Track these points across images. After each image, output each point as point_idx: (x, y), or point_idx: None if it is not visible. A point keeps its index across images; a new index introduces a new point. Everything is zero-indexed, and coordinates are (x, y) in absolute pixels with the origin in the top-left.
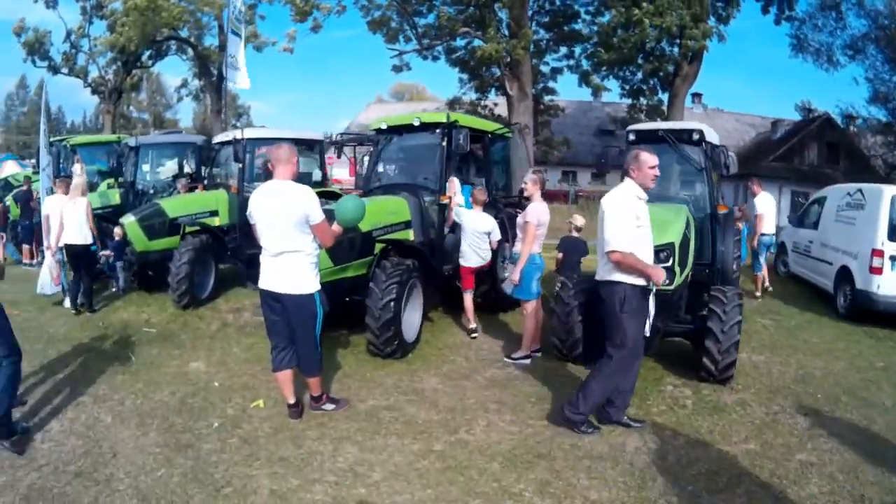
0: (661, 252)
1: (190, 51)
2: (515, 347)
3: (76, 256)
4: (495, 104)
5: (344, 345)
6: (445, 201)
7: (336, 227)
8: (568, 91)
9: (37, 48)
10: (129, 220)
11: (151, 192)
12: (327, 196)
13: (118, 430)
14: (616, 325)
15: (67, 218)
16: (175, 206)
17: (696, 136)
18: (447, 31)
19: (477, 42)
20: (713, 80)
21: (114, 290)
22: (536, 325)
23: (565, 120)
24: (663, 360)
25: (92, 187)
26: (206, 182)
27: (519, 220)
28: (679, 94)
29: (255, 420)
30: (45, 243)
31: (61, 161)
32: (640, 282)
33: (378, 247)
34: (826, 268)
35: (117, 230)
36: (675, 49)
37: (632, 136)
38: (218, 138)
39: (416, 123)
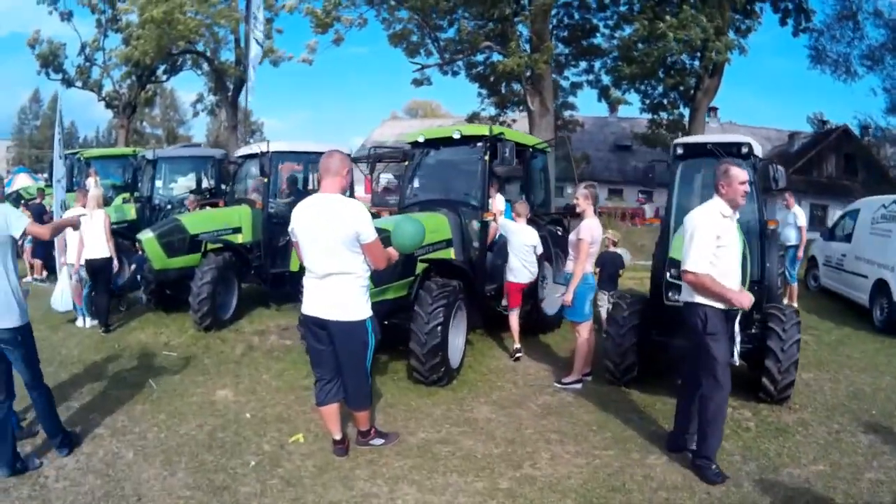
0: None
1: (205, 65)
2: (564, 371)
3: (96, 271)
4: (514, 120)
5: (383, 371)
6: (489, 218)
7: (392, 251)
8: (584, 106)
9: (51, 60)
10: (147, 236)
11: (168, 207)
12: None
13: (141, 469)
14: (703, 350)
15: (86, 232)
16: (196, 222)
17: (744, 150)
18: (468, 46)
19: (496, 56)
20: (725, 93)
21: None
22: (589, 349)
23: (582, 136)
24: None
25: (106, 202)
26: (225, 197)
27: (571, 237)
28: (700, 108)
29: (297, 457)
30: (61, 258)
31: (75, 174)
32: (720, 305)
33: (420, 267)
34: (861, 281)
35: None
36: (696, 62)
37: (679, 150)
38: (241, 151)
39: (457, 136)
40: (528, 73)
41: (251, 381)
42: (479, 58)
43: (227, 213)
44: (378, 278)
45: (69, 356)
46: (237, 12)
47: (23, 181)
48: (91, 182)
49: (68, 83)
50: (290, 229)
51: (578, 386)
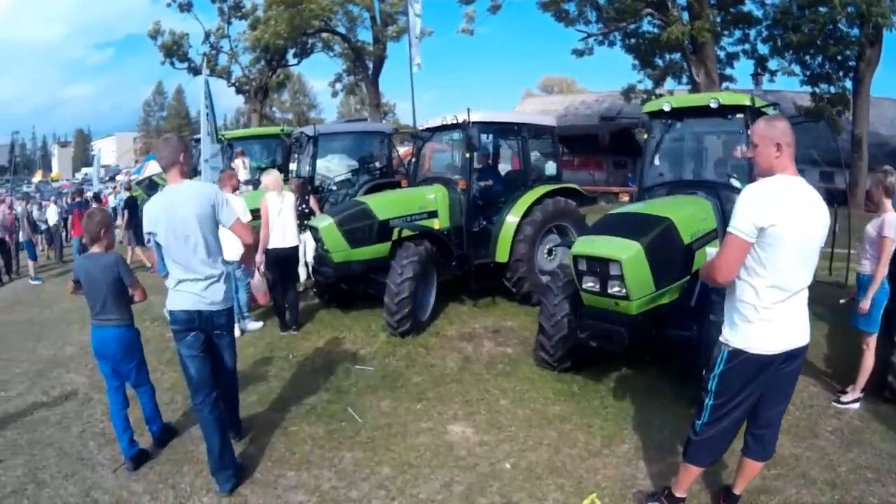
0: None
1: (336, 48)
2: (831, 389)
3: (284, 262)
4: (671, 93)
5: None
6: None
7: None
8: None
9: (174, 50)
10: (325, 222)
11: (333, 188)
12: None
13: None
14: None
15: (273, 217)
16: (385, 204)
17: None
18: (629, 13)
19: (646, 27)
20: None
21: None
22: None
23: None
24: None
25: (255, 185)
26: (407, 176)
27: (870, 232)
28: (864, 80)
29: None
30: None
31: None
32: None
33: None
34: None
35: (305, 236)
36: (856, 30)
37: None
38: (430, 123)
39: (714, 105)
40: (689, 43)
41: (488, 409)
42: (638, 27)
43: (419, 195)
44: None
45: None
46: None
47: (154, 168)
48: (239, 163)
49: (195, 71)
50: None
51: (857, 405)
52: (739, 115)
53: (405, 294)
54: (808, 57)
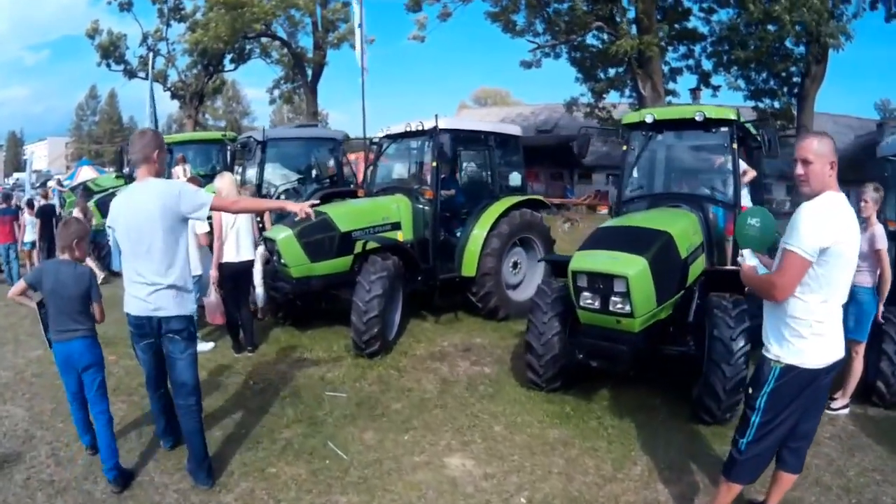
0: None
1: (274, 54)
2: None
3: (236, 278)
4: (614, 106)
5: None
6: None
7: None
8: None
9: (111, 51)
10: (283, 233)
11: (281, 197)
12: None
13: None
14: None
15: (225, 228)
16: (346, 215)
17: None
18: (578, 26)
19: (592, 41)
20: None
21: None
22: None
23: None
24: None
25: None
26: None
27: (863, 246)
28: (809, 96)
29: None
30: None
31: None
32: None
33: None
34: None
35: (261, 250)
36: (801, 48)
37: None
38: (391, 130)
39: (699, 118)
40: (636, 56)
41: (483, 437)
42: (583, 40)
43: (382, 205)
44: None
45: None
46: None
47: (87, 174)
48: (179, 171)
49: (130, 74)
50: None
51: (846, 411)
52: (724, 129)
53: (374, 312)
54: (753, 73)
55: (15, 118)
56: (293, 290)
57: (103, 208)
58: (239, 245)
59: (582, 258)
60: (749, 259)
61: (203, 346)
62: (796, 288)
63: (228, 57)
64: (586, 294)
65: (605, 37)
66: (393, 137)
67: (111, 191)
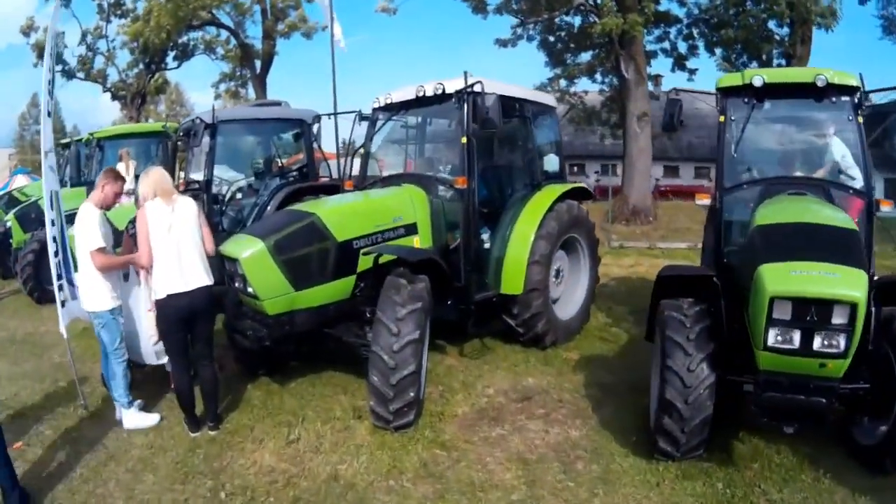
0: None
1: (219, 50)
2: None
3: (188, 318)
4: (585, 92)
5: None
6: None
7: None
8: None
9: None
10: (248, 249)
11: (237, 195)
12: None
13: None
14: None
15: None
16: (343, 216)
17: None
18: (563, 2)
19: (565, 18)
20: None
21: None
22: None
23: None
24: None
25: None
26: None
27: None
28: None
29: None
30: (117, 288)
31: (82, 164)
32: None
33: None
34: None
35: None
36: (785, 29)
37: None
38: (392, 97)
39: (821, 83)
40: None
41: None
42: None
43: (390, 201)
44: None
45: None
46: None
47: (21, 182)
48: (123, 167)
49: (69, 75)
50: None
51: None
52: (845, 98)
53: (410, 368)
54: (733, 55)
55: None
56: (269, 335)
57: (23, 220)
58: (185, 264)
59: (786, 275)
60: None
61: (140, 418)
62: None
63: (171, 54)
64: (786, 329)
65: (582, 18)
66: (396, 108)
67: (34, 199)
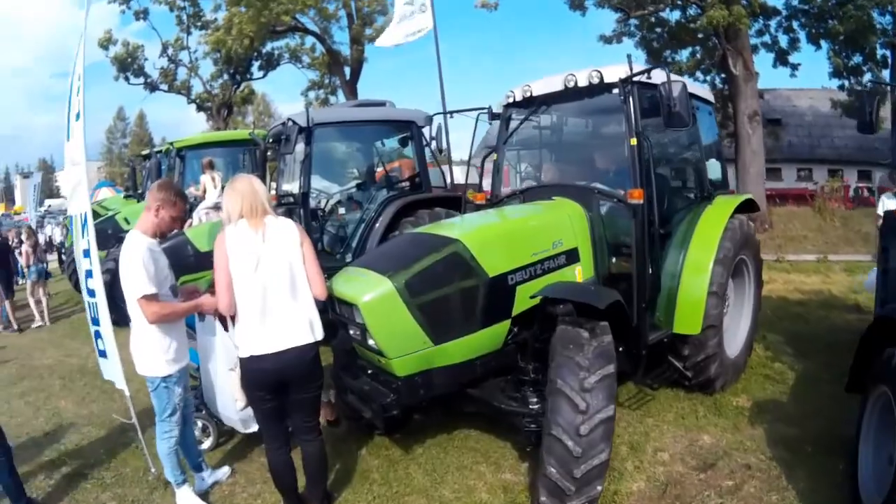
0: None
1: (305, 58)
2: None
3: (283, 385)
4: None
5: None
6: None
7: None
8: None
9: (129, 64)
10: (369, 294)
11: (339, 210)
12: None
13: None
14: None
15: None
16: (491, 243)
17: None
18: None
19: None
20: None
21: None
22: None
23: None
24: None
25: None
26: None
27: None
28: None
29: None
30: (182, 343)
31: (164, 176)
32: None
33: None
34: None
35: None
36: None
37: None
38: (532, 90)
39: None
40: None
41: None
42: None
43: (545, 221)
44: None
45: None
46: None
47: (104, 195)
48: (208, 179)
49: (152, 87)
50: None
51: None
52: None
53: (602, 457)
54: (839, 48)
55: (46, 146)
56: (398, 402)
57: (98, 237)
58: (271, 316)
59: None
60: None
61: (213, 476)
62: None
63: (256, 64)
64: None
65: (681, 13)
66: (536, 102)
67: (112, 214)
